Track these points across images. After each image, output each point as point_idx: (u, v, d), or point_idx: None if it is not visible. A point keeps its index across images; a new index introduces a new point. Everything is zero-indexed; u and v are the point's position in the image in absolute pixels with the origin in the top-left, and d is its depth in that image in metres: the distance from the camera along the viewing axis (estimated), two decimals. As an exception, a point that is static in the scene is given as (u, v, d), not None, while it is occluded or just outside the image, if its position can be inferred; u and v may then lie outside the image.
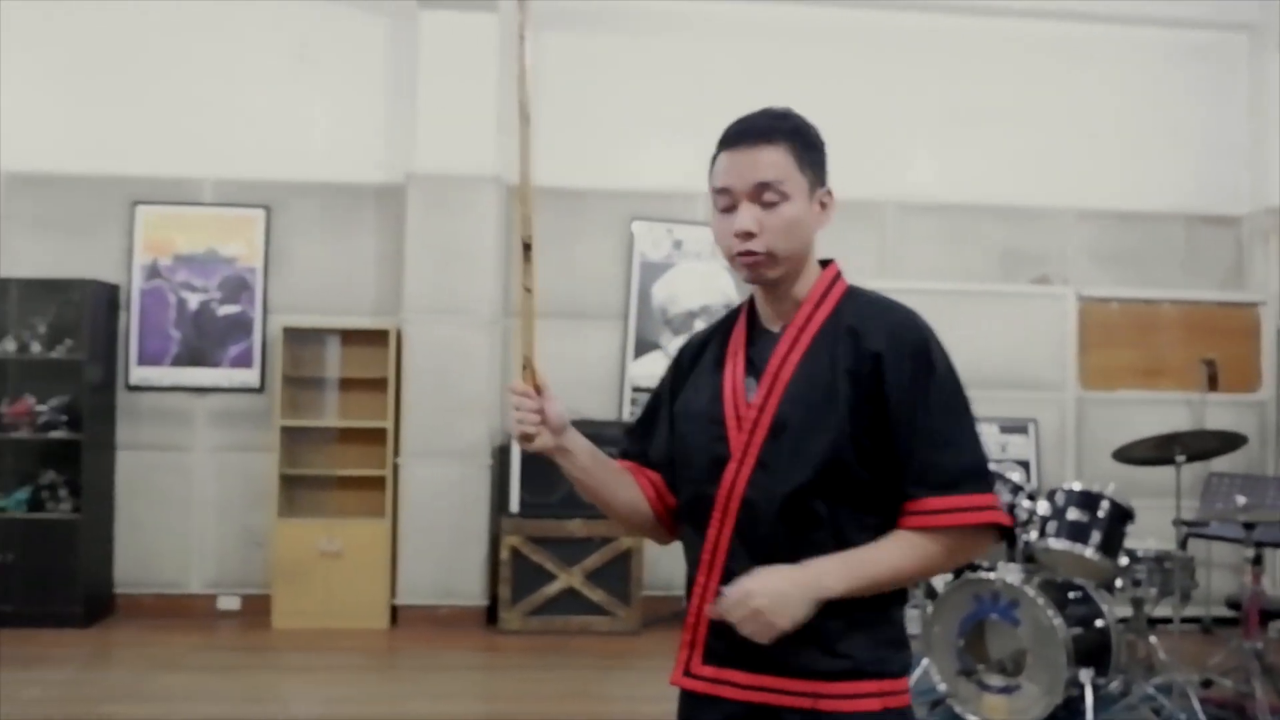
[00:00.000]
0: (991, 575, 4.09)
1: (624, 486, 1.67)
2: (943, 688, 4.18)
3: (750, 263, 1.53)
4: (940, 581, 4.98)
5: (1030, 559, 4.28)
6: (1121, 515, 4.24)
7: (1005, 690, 4.06)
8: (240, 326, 5.95)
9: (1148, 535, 4.46)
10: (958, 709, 4.11)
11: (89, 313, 5.65)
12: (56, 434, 5.66)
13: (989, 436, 5.81)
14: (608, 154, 6.12)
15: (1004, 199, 6.26)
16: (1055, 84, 6.28)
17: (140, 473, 5.93)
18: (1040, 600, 3.95)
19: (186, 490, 5.95)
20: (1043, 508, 4.29)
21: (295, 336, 5.87)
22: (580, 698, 4.62)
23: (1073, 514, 4.24)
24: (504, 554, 5.58)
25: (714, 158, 1.58)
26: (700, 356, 1.66)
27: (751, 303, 1.64)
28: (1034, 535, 4.25)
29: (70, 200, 5.93)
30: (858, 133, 6.13)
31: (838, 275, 1.61)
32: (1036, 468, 5.82)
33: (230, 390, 5.94)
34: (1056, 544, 4.20)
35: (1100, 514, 4.21)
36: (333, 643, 5.42)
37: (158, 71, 5.98)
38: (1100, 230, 6.30)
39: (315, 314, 5.96)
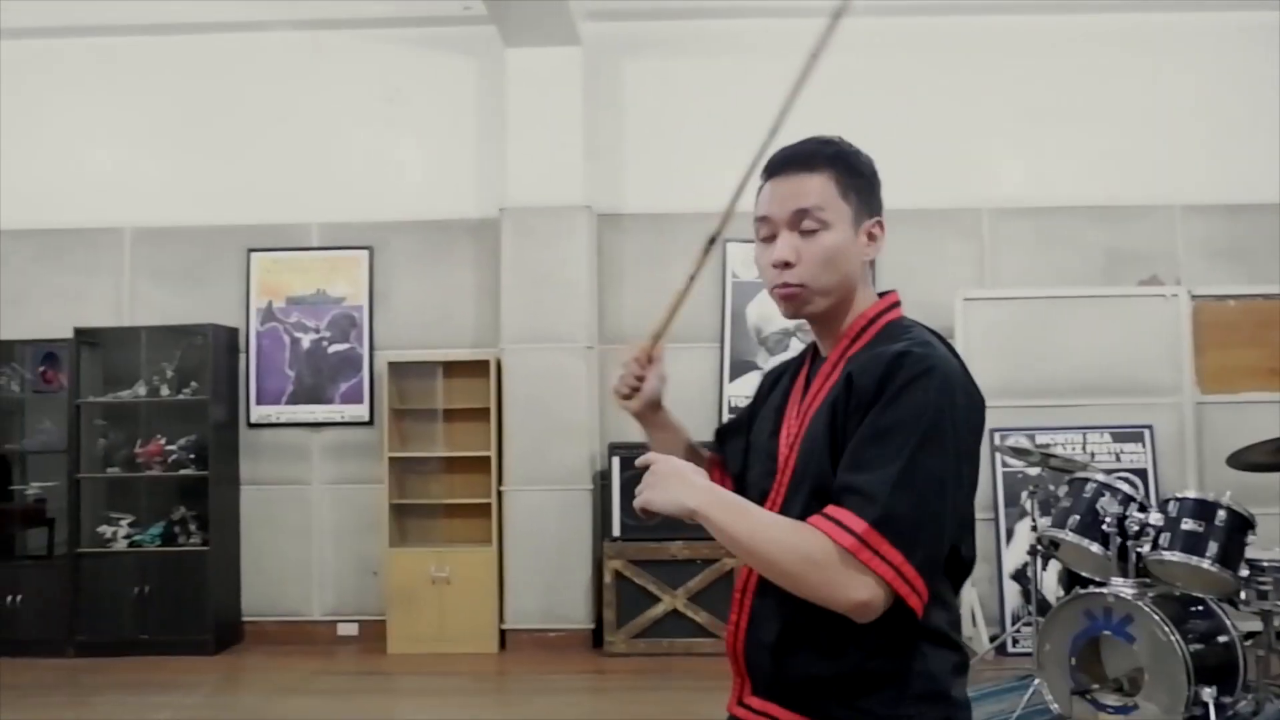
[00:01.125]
0: (1104, 590, 3.95)
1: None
2: (1056, 708, 4.06)
3: (786, 294, 1.49)
4: (1051, 596, 4.84)
5: (1144, 572, 4.11)
6: (1241, 524, 4.03)
7: (1122, 710, 3.90)
8: (349, 363, 6.20)
9: (1273, 544, 4.24)
10: (1072, 729, 3.97)
11: (211, 356, 5.98)
12: (186, 471, 5.99)
13: (1101, 445, 5.61)
14: (697, 176, 6.14)
15: (1101, 198, 6.05)
16: (1141, 76, 6.07)
17: (262, 506, 6.22)
18: (1156, 615, 3.79)
19: (305, 521, 6.22)
20: (1155, 518, 4.12)
21: (400, 370, 6.08)
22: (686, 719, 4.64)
23: (1188, 524, 4.06)
24: (607, 577, 5.64)
25: (760, 188, 1.56)
26: (775, 386, 1.65)
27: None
28: (1147, 548, 4.09)
29: (190, 250, 6.31)
30: (944, 141, 6.06)
31: (889, 308, 1.54)
32: (1154, 476, 5.59)
33: (342, 424, 6.19)
34: (1171, 556, 4.02)
35: (1217, 523, 4.02)
36: (445, 666, 5.57)
37: (262, 125, 6.32)
38: (1208, 225, 6.03)
39: (418, 348, 6.16)
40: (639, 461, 1.47)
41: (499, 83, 6.07)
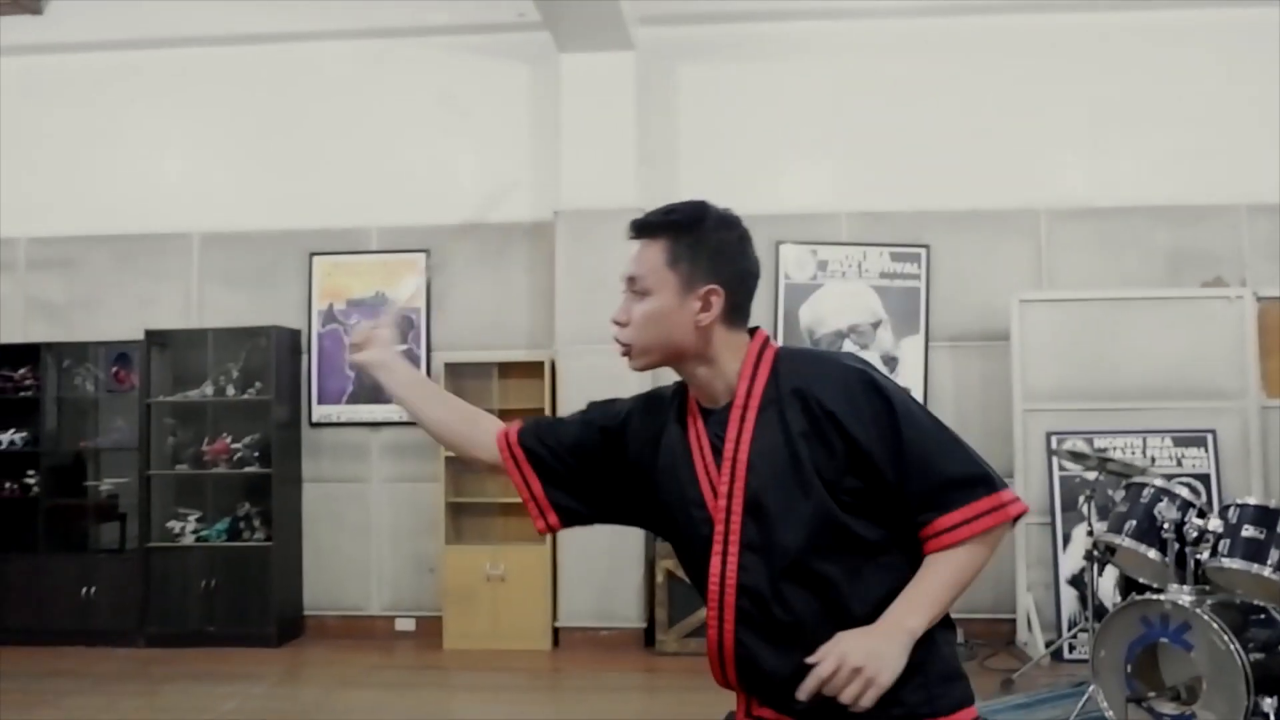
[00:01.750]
0: (1161, 597, 3.89)
1: (455, 416, 1.78)
2: (1111, 715, 4.00)
3: (623, 353, 1.62)
4: (1108, 602, 4.77)
5: (1203, 579, 4.04)
6: (1304, 531, 3.95)
7: (1179, 719, 3.85)
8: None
9: (1339, 553, 4.13)
10: (1128, 737, 3.92)
11: (275, 357, 6.14)
12: (250, 469, 6.17)
13: (1162, 449, 5.52)
14: (749, 178, 6.19)
15: (1164, 199, 5.94)
16: (1206, 73, 5.94)
17: (323, 503, 6.38)
18: (1215, 624, 3.72)
19: (365, 519, 6.36)
20: (1215, 525, 4.05)
21: (457, 371, 6.19)
22: (736, 720, 4.65)
23: (1248, 531, 3.98)
24: (659, 577, 5.69)
25: None
26: (662, 432, 1.65)
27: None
28: (1206, 554, 4.01)
29: (255, 255, 6.49)
30: (1002, 142, 6.01)
31: (765, 343, 1.62)
32: (1216, 482, 5.47)
33: (400, 424, 6.31)
34: (1231, 563, 3.95)
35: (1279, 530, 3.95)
36: (499, 663, 5.66)
37: (324, 133, 6.47)
38: (1275, 225, 5.87)
39: (474, 349, 6.27)
40: (819, 689, 1.44)
41: (554, 88, 6.14)
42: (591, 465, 1.70)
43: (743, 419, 1.55)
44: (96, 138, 6.62)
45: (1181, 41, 5.98)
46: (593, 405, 1.78)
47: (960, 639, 5.64)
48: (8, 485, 6.26)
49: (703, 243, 1.58)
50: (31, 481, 6.26)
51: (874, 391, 1.51)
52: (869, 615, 1.49)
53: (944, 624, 1.54)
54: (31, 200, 6.63)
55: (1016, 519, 1.52)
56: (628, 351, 1.62)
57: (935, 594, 1.49)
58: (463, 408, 1.82)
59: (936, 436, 1.52)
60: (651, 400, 1.71)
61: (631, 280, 1.60)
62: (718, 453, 1.57)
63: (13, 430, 6.31)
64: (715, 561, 1.54)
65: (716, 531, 1.54)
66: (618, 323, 1.61)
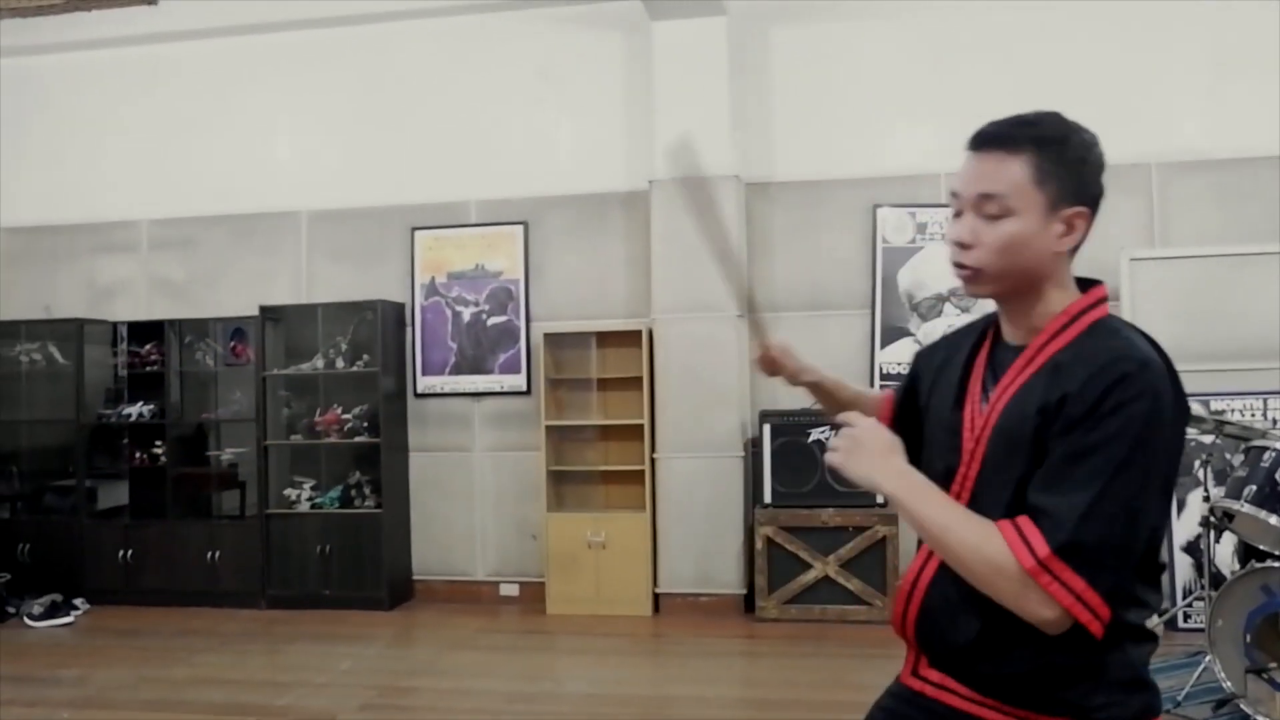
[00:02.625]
0: (1282, 564, 3.76)
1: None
2: (1229, 686, 3.89)
3: (960, 275, 1.49)
4: (1225, 570, 4.61)
5: (1329, 546, 3.88)
6: None
7: (1303, 690, 3.71)
8: (508, 335, 6.45)
9: None
10: (1247, 709, 3.80)
11: (381, 330, 6.33)
12: (360, 439, 6.39)
13: (1284, 412, 5.27)
14: (847, 142, 6.10)
15: (1287, 148, 5.64)
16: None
17: (429, 471, 6.57)
18: (1342, 592, 3.59)
19: (469, 487, 6.53)
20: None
21: (556, 341, 6.28)
22: (839, 686, 4.66)
23: (1377, 496, 3.81)
24: (759, 544, 5.71)
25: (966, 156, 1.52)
26: (948, 362, 1.63)
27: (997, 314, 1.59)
28: (1331, 520, 3.85)
29: (359, 230, 6.69)
30: (1110, 93, 5.78)
31: (1094, 304, 1.48)
32: (1345, 445, 5.20)
33: (502, 394, 6.46)
34: (1359, 530, 3.79)
35: None
36: (601, 628, 5.77)
37: (422, 109, 6.61)
38: None
39: (572, 319, 6.35)
40: (838, 418, 1.53)
41: (646, 57, 6.14)
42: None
43: (1024, 368, 1.46)
44: (209, 122, 6.90)
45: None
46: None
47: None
48: (139, 455, 6.63)
49: (1072, 159, 1.44)
50: (159, 452, 6.61)
51: (1109, 393, 1.34)
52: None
53: (1140, 635, 1.46)
54: (151, 183, 6.97)
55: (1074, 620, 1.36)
56: (973, 276, 1.46)
57: (935, 508, 1.42)
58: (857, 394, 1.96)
59: (1094, 474, 1.33)
60: (958, 333, 1.68)
61: (987, 199, 1.43)
62: (986, 389, 1.51)
63: (141, 403, 6.66)
64: (954, 487, 1.49)
65: (961, 463, 1.49)
66: (962, 244, 1.46)
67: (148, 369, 6.71)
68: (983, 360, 1.55)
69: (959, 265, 1.47)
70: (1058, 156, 1.43)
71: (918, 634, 1.54)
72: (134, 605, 6.41)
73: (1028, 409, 1.41)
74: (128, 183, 7.01)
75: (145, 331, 6.74)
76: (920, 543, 1.53)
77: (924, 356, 1.73)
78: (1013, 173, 1.41)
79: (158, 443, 6.62)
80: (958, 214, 1.48)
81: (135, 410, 6.64)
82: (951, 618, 1.48)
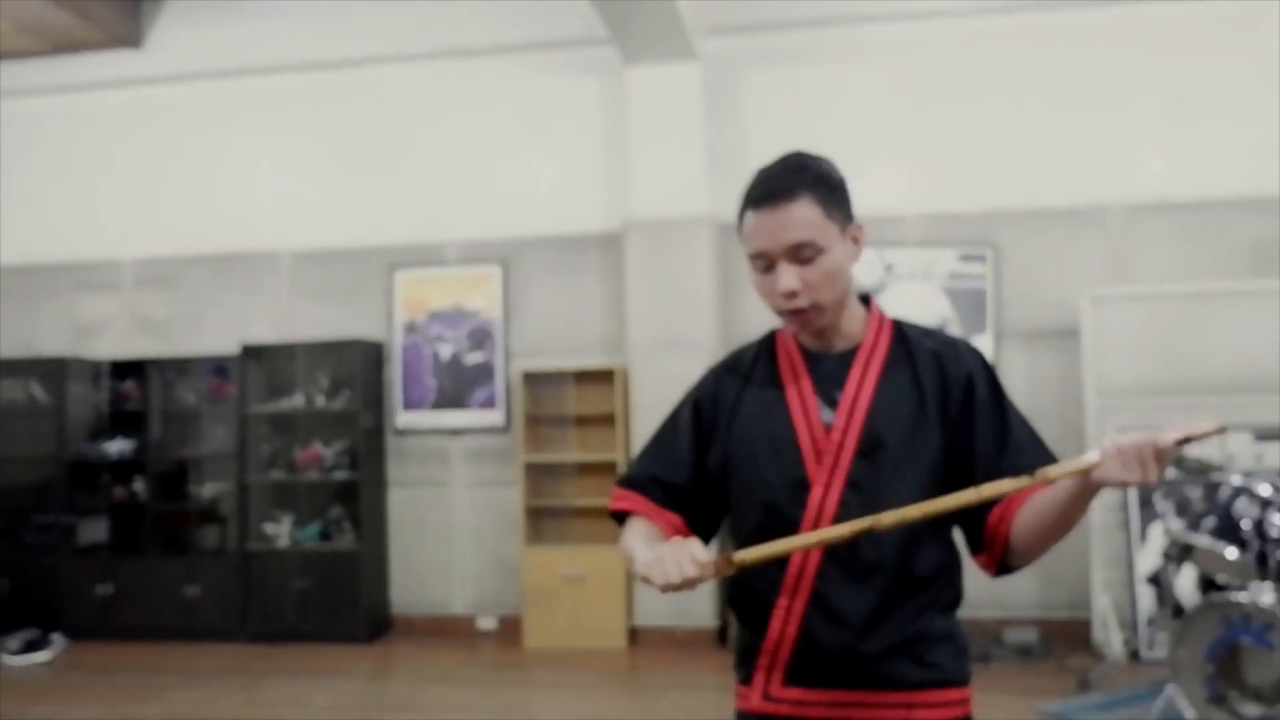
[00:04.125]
0: (1241, 598, 3.85)
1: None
2: (1192, 714, 3.97)
3: (801, 320, 1.60)
4: (1188, 601, 4.71)
5: (1285, 579, 3.99)
6: (1390, 529, 3.88)
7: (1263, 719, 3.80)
8: (486, 372, 6.55)
9: None
10: (1207, 737, 3.89)
11: (361, 367, 6.42)
12: (339, 475, 6.45)
13: (1241, 446, 5.41)
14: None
15: (1248, 190, 5.81)
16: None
17: (408, 507, 6.63)
18: (1296, 623, 3.69)
19: (447, 522, 6.59)
20: (1295, 523, 4.00)
21: (533, 379, 6.38)
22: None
23: (1330, 529, 3.93)
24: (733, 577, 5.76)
25: (741, 214, 1.62)
26: (745, 386, 1.67)
27: (780, 333, 1.70)
28: (1286, 553, 3.97)
29: (341, 270, 6.79)
30: (1075, 136, 5.97)
31: (878, 307, 1.71)
32: (1302, 479, 5.34)
33: (480, 431, 6.54)
34: (1311, 561, 3.91)
35: (1362, 528, 3.88)
36: (577, 661, 5.82)
37: (403, 152, 6.73)
38: (1361, 216, 5.72)
39: (550, 357, 6.46)
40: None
41: (622, 101, 6.30)
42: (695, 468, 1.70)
43: (867, 363, 1.62)
44: (193, 163, 7.01)
45: (1260, 27, 5.85)
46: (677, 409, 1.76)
47: (1035, 637, 5.62)
48: (118, 491, 6.67)
49: (838, 185, 1.61)
50: (139, 488, 6.65)
51: (992, 372, 1.64)
52: (924, 580, 1.57)
53: (957, 605, 1.63)
54: (136, 223, 7.07)
55: None
56: (812, 313, 1.58)
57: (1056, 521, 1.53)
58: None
59: (1029, 427, 1.62)
60: (725, 370, 1.73)
61: (801, 246, 1.55)
62: (824, 394, 1.62)
63: (122, 439, 6.71)
64: (816, 492, 1.57)
65: (823, 465, 1.57)
66: (794, 292, 1.56)
67: (129, 406, 6.76)
68: (799, 375, 1.64)
69: (795, 311, 1.58)
70: (829, 188, 1.58)
71: (805, 635, 1.56)
72: (112, 641, 6.42)
73: (912, 395, 1.59)
74: (112, 222, 7.10)
75: (127, 369, 6.81)
76: (799, 531, 1.54)
77: (705, 405, 1.70)
78: (810, 216, 1.55)
79: (138, 479, 6.66)
80: (768, 269, 1.58)
81: (116, 447, 6.69)
82: (843, 597, 1.54)
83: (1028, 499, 1.53)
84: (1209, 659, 3.93)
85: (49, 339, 7.10)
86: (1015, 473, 1.47)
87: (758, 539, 1.52)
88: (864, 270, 6.16)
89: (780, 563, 1.57)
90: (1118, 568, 5.47)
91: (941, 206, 6.12)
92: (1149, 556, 5.31)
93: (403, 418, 6.63)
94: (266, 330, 6.83)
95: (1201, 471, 4.66)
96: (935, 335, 1.68)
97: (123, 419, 6.78)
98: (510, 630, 6.35)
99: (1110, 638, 5.30)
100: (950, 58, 6.15)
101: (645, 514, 1.68)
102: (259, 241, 6.90)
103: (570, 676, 5.60)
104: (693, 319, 6.08)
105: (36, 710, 5.11)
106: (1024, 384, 5.91)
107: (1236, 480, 4.43)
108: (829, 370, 1.63)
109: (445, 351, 6.60)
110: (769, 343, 1.72)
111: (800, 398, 1.62)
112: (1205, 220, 5.88)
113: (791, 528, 1.56)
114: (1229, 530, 4.24)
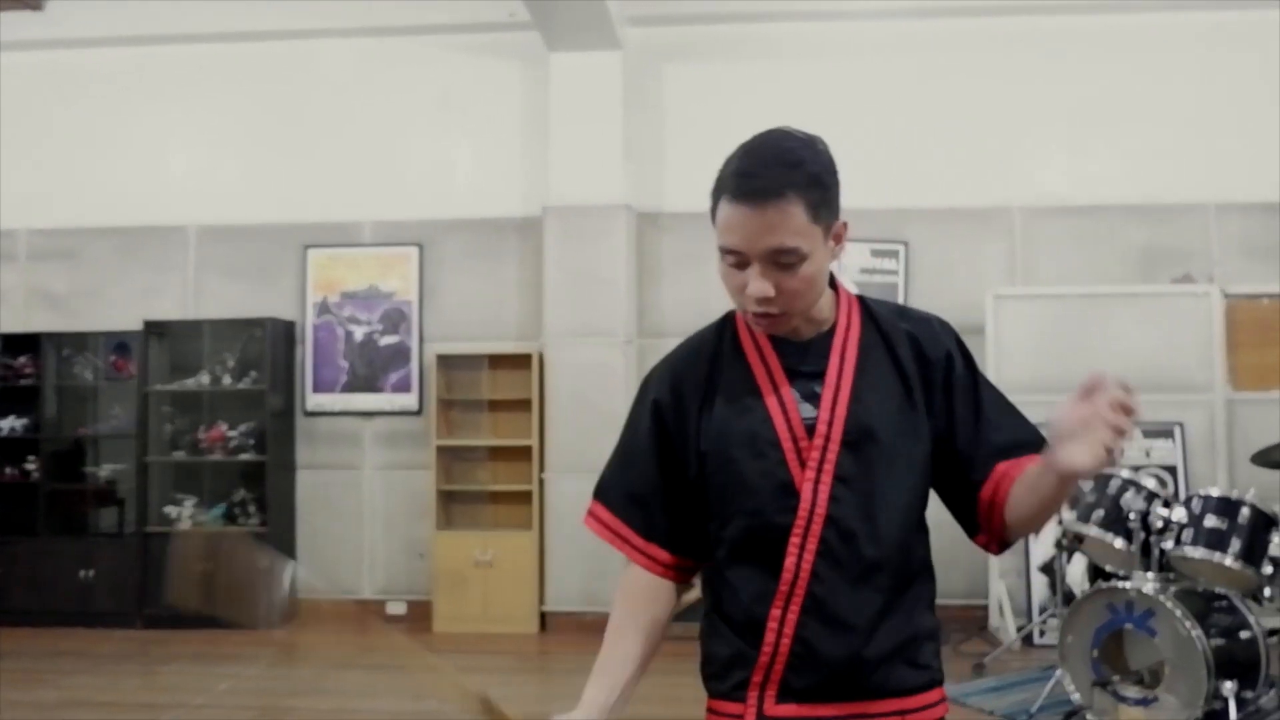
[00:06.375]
0: (1126, 585, 4.03)
1: (649, 638, 1.60)
2: (1077, 698, 4.13)
3: (768, 322, 1.45)
4: (1077, 589, 4.93)
5: (1167, 567, 4.19)
6: (1266, 522, 4.08)
7: (1143, 702, 3.97)
8: (400, 355, 6.47)
9: (1298, 543, 4.28)
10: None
11: (270, 347, 6.29)
12: (245, 456, 6.32)
13: (1132, 441, 5.68)
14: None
15: (1139, 197, 6.09)
16: (1177, 74, 6.10)
17: (317, 490, 6.52)
18: (1178, 611, 3.83)
19: (357, 505, 6.50)
20: (1179, 515, 4.20)
21: (448, 363, 6.33)
22: (715, 701, 4.79)
23: (1210, 521, 4.12)
24: (644, 563, 5.82)
25: (716, 199, 1.44)
26: (709, 379, 1.52)
27: (739, 315, 1.53)
28: (1170, 543, 4.16)
29: (251, 247, 6.62)
30: (981, 141, 6.16)
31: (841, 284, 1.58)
32: (1184, 473, 5.64)
33: (392, 414, 6.46)
34: (1193, 552, 4.08)
35: (1240, 521, 4.07)
36: (488, 646, 5.81)
37: (320, 128, 6.60)
38: (1245, 224, 6.04)
39: (465, 341, 6.41)
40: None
41: (543, 86, 6.28)
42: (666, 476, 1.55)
43: (844, 350, 1.49)
44: (97, 132, 6.75)
45: (1157, 44, 6.13)
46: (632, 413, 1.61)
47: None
48: (8, 470, 6.41)
49: (830, 182, 1.44)
50: (32, 467, 6.41)
51: (964, 347, 1.54)
52: (917, 574, 1.50)
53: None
54: (33, 193, 6.76)
55: None
56: (782, 318, 1.44)
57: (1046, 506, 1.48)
58: (636, 630, 1.61)
59: (1004, 399, 1.55)
60: (685, 358, 1.56)
61: (780, 252, 1.38)
62: (800, 386, 1.48)
63: (13, 417, 6.45)
64: (806, 489, 1.43)
65: (808, 464, 1.44)
66: (767, 298, 1.40)
67: (22, 382, 6.50)
68: (770, 364, 1.49)
69: (763, 315, 1.43)
70: (821, 187, 1.42)
71: (802, 646, 1.45)
72: (1, 625, 6.17)
73: (893, 379, 1.48)
74: (6, 191, 6.78)
75: (21, 344, 6.53)
76: (791, 533, 1.44)
77: (665, 406, 1.54)
78: (795, 221, 1.38)
79: (30, 458, 6.41)
80: (739, 266, 1.41)
81: (7, 425, 6.43)
82: (843, 599, 1.43)
83: (1019, 477, 1.44)
84: (1095, 644, 4.10)
85: (-64, 310, 6.78)
86: (995, 445, 1.47)
87: (745, 546, 1.47)
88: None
89: (771, 570, 1.44)
90: (1014, 556, 5.68)
91: (852, 202, 6.16)
92: (1043, 546, 5.54)
93: (313, 399, 6.51)
94: (172, 307, 6.63)
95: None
96: (907, 313, 1.57)
97: (15, 395, 6.51)
98: (420, 615, 6.29)
99: (1005, 624, 5.52)
100: (866, 59, 6.29)
101: (628, 556, 1.60)
102: (167, 215, 6.67)
103: (480, 661, 5.58)
104: (609, 306, 6.11)
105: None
106: (930, 378, 6.07)
107: (1125, 474, 4.64)
108: (802, 358, 1.49)
109: (359, 333, 6.50)
110: (729, 327, 1.54)
111: (776, 391, 1.47)
112: (1099, 225, 6.14)
113: (780, 533, 1.44)
114: (1117, 521, 4.43)
